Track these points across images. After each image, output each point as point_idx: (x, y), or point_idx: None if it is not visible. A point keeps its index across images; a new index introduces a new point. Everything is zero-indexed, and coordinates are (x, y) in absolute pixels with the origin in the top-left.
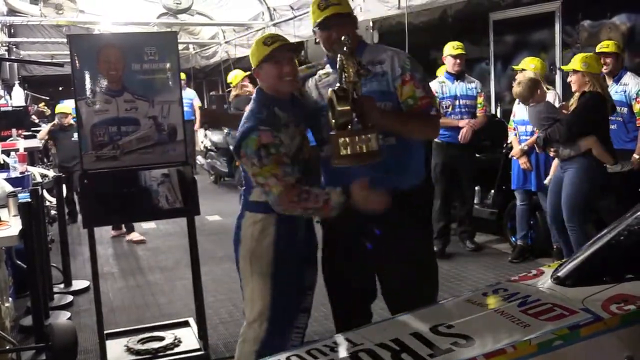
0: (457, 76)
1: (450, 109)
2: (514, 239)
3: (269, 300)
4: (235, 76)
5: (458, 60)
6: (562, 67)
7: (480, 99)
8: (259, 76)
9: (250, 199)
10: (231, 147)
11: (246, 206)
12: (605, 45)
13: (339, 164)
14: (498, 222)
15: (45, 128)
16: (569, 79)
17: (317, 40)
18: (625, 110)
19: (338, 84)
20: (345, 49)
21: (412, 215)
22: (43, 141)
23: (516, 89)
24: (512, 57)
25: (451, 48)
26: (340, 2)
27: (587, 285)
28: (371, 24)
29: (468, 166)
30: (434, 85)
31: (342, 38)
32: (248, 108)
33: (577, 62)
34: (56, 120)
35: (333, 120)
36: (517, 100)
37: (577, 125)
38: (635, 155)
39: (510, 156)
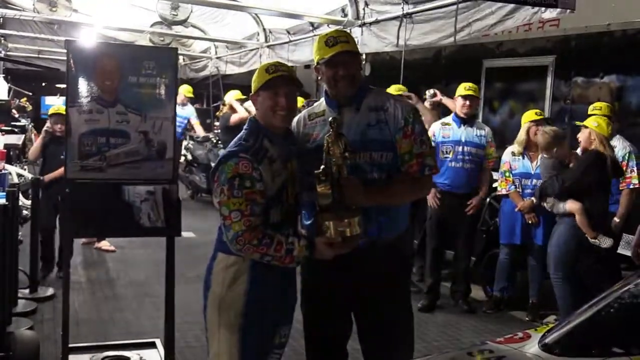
0: (466, 120)
1: (450, 155)
2: (489, 288)
3: (236, 356)
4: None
5: (467, 102)
6: (576, 123)
7: (491, 149)
8: (255, 103)
9: (224, 238)
10: (212, 164)
11: (219, 246)
12: (598, 107)
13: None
14: (475, 269)
15: (36, 144)
16: (578, 135)
17: (320, 77)
18: None
19: (323, 166)
20: (331, 131)
21: (395, 263)
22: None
23: (539, 137)
24: (501, 104)
25: (462, 88)
26: (349, 41)
27: (574, 355)
28: (364, 56)
29: (468, 220)
30: (434, 127)
31: (330, 119)
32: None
33: (589, 119)
34: (48, 125)
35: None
36: (510, 152)
37: (570, 184)
38: (616, 219)
39: (517, 210)
